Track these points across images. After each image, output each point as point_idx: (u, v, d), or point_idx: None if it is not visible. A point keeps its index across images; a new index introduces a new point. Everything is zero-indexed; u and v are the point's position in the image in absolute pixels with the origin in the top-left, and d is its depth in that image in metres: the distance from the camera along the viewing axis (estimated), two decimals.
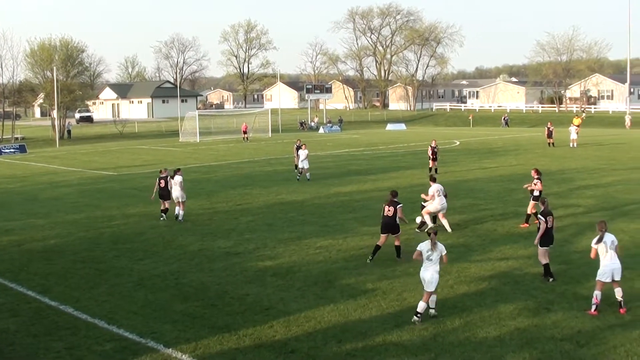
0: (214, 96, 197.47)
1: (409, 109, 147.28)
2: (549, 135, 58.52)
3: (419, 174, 39.69)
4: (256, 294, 17.01)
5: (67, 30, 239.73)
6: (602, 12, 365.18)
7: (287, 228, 24.96)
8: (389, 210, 19.86)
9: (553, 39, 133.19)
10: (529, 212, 24.54)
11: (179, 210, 26.88)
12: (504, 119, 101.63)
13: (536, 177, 25.08)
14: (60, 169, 49.58)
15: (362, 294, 16.73)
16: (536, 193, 24.76)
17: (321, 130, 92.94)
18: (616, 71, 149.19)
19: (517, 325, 14.41)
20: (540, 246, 17.73)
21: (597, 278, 15.26)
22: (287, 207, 29.48)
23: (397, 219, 19.85)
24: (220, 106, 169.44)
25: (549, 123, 62.09)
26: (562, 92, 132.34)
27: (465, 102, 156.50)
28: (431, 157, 40.12)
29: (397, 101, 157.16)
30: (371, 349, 13.30)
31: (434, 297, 15.12)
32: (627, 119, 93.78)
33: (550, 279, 17.51)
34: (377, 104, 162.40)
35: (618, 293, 15.12)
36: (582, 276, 17.89)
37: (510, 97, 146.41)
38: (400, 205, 20.02)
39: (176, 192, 26.70)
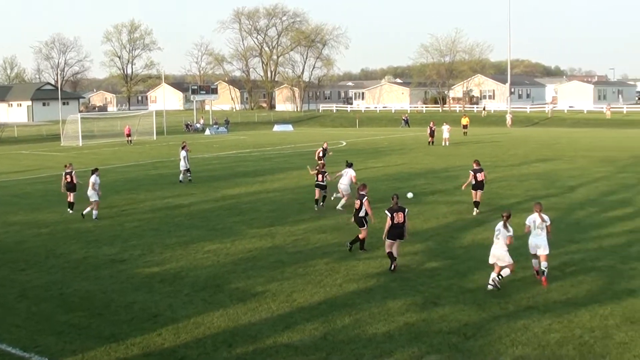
0: (96, 98, 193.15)
1: (295, 110, 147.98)
2: (431, 134, 60.50)
3: (307, 174, 39.77)
4: (143, 301, 16.66)
5: None
6: (483, 14, 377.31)
7: (173, 233, 24.58)
8: (357, 204, 20.86)
9: (436, 41, 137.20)
10: (476, 199, 26.90)
11: (90, 209, 27.44)
12: (404, 118, 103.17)
13: (476, 167, 26.89)
14: None
15: (252, 297, 16.63)
16: (473, 182, 26.73)
17: (207, 132, 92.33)
18: (497, 72, 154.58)
19: (405, 321, 14.63)
20: (387, 239, 18.73)
21: (530, 250, 17.56)
22: (173, 211, 29.05)
23: (364, 212, 20.62)
24: (103, 108, 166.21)
25: (431, 122, 64.17)
26: (446, 92, 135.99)
27: (352, 103, 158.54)
28: (319, 157, 40.26)
29: (284, 102, 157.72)
30: (262, 351, 13.23)
31: (506, 270, 16.72)
32: (508, 117, 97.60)
33: (392, 268, 18.53)
34: (264, 105, 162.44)
35: (543, 264, 17.17)
36: (468, 270, 18.41)
37: (395, 98, 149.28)
38: (365, 197, 20.76)
39: (89, 191, 27.38)
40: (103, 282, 18.47)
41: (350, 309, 15.43)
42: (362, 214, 20.66)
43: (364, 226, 20.77)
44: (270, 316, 15.21)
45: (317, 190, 28.46)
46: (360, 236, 20.86)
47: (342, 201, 27.82)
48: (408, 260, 19.52)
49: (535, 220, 17.31)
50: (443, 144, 59.19)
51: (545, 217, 17.42)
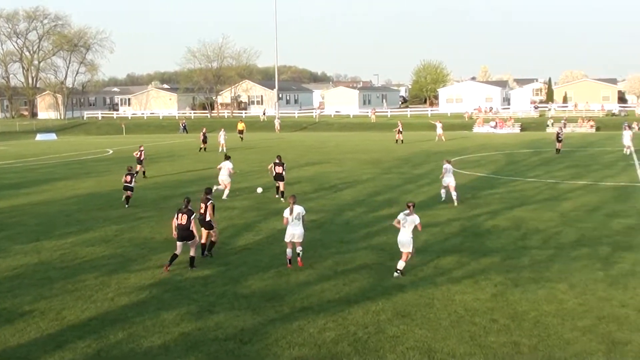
0: None
1: (59, 117, 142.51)
2: (204, 140, 60.82)
3: (73, 185, 38.69)
4: None
5: None
6: (250, 21, 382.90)
7: None
8: (202, 207, 20.89)
9: (204, 46, 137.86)
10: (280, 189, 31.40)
11: None
12: (182, 125, 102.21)
13: (276, 161, 31.68)
14: None
15: (19, 317, 15.81)
16: (274, 174, 31.48)
17: None
18: (265, 77, 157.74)
19: (181, 331, 14.56)
20: (177, 240, 19.44)
21: (285, 239, 19.55)
22: None
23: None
24: None
25: (204, 129, 64.44)
26: (214, 98, 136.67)
27: (118, 110, 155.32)
28: (139, 160, 41.33)
29: (47, 110, 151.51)
30: None
31: (402, 263, 18.12)
32: (277, 123, 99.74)
33: (167, 267, 19.36)
34: (26, 113, 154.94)
35: (298, 248, 19.41)
36: (241, 276, 18.66)
37: (162, 104, 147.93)
38: (211, 201, 20.88)
39: None
40: None
41: (124, 323, 15.12)
42: (208, 217, 20.62)
43: (213, 228, 20.83)
44: (40, 336, 14.57)
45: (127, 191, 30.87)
46: (213, 239, 21.00)
47: (226, 191, 31.95)
48: (181, 269, 19.43)
49: (298, 212, 19.43)
50: (220, 149, 59.38)
51: (300, 207, 19.52)
